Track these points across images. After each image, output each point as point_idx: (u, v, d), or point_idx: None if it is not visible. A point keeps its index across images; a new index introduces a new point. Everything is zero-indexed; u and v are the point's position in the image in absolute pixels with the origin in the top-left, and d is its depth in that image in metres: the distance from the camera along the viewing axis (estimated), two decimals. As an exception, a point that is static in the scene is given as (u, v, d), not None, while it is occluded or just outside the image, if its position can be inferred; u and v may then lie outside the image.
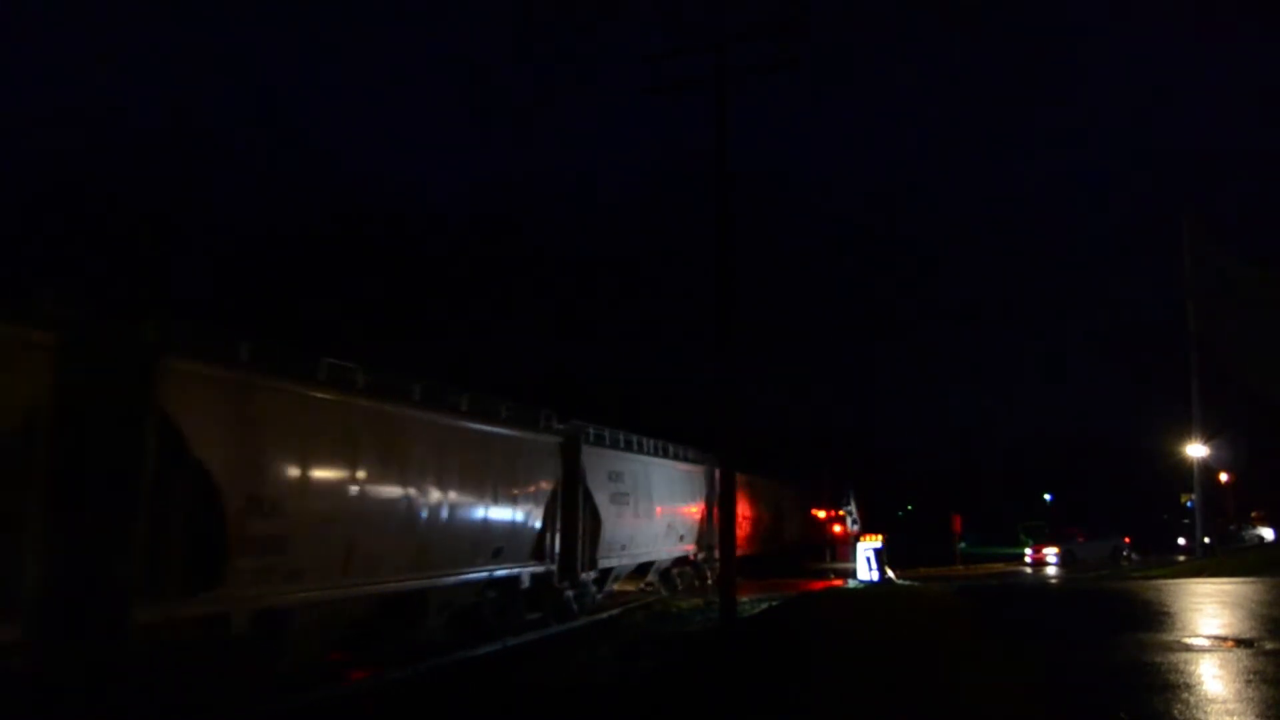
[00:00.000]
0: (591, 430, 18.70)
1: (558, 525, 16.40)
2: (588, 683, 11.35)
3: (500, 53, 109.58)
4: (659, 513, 21.96)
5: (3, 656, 7.01)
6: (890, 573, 29.11)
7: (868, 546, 29.87)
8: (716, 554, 23.45)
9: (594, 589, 18.44)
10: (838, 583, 27.71)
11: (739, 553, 24.56)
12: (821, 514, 35.48)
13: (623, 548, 19.62)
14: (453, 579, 13.17)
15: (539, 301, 62.44)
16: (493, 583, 14.42)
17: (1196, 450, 30.25)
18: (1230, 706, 7.39)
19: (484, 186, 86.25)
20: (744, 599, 18.30)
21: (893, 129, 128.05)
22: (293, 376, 10.38)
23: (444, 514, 12.89)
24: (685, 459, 25.00)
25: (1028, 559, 39.65)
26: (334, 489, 10.75)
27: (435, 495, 12.69)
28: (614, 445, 19.98)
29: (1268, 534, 41.22)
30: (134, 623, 7.79)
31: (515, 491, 14.97)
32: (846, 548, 31.82)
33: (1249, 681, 8.23)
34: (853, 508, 33.82)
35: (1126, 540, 38.69)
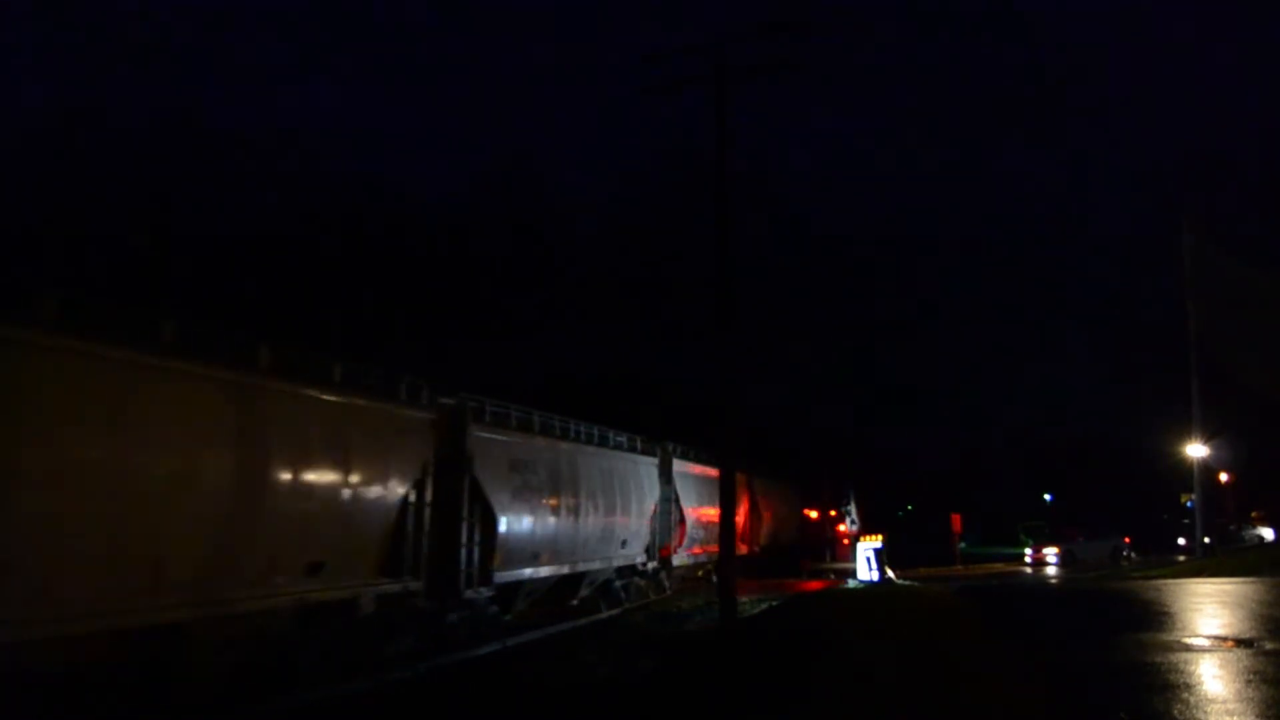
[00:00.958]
0: (489, 407, 14.88)
1: (427, 528, 12.54)
2: (587, 683, 11.35)
3: (498, 51, 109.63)
4: (592, 513, 17.99)
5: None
6: (890, 573, 29.09)
7: (868, 546, 29.86)
8: (676, 561, 23.07)
9: (493, 609, 14.59)
10: (838, 583, 27.71)
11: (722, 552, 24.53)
12: (821, 514, 35.47)
13: (535, 556, 15.69)
14: (225, 610, 9.11)
15: (537, 301, 62.40)
16: (308, 611, 10.39)
17: (1196, 450, 30.25)
18: (1230, 706, 7.39)
19: (481, 184, 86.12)
20: (744, 599, 18.29)
21: (892, 128, 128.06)
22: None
23: (220, 509, 9.12)
24: (630, 448, 21.18)
25: (1028, 559, 39.64)
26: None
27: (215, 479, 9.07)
28: (523, 427, 15.88)
29: (1268, 534, 41.23)
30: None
31: (354, 481, 11.20)
32: (846, 548, 31.80)
33: (1249, 681, 8.23)
34: (852, 508, 33.79)
35: (1126, 540, 38.69)
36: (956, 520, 39.17)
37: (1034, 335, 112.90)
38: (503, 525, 14.42)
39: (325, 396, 11.00)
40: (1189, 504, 34.83)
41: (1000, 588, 24.89)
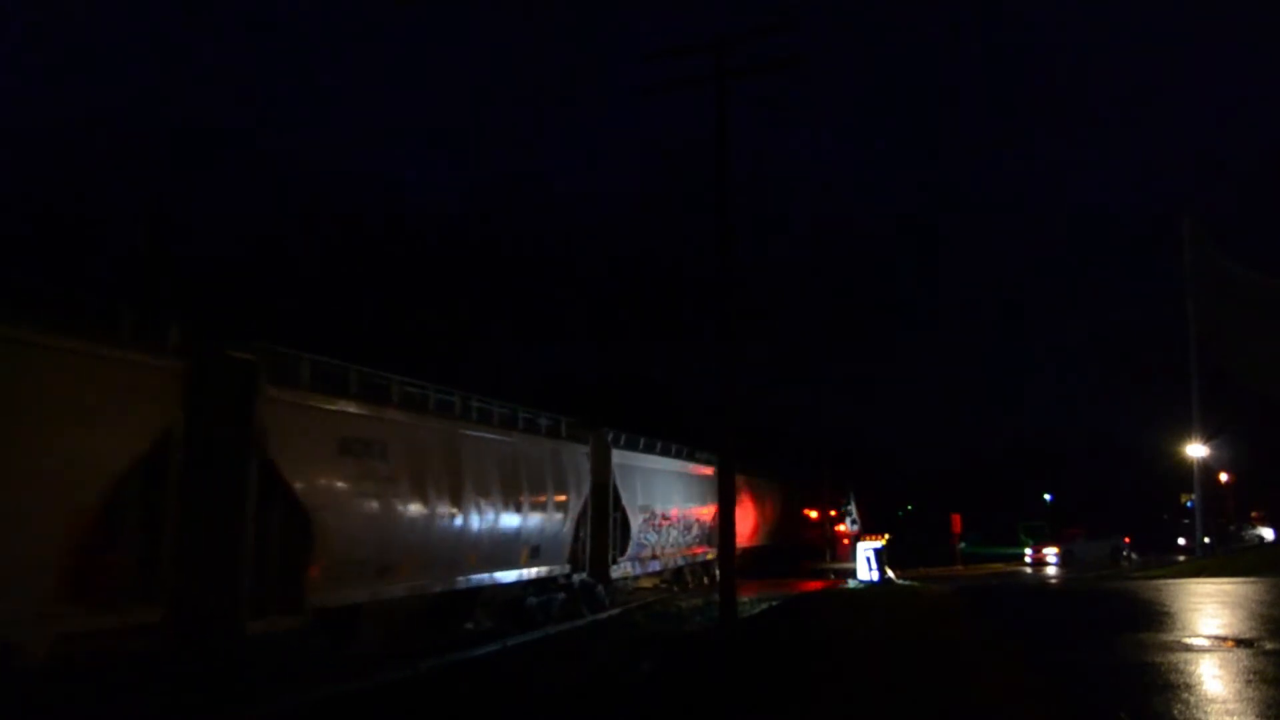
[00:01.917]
0: (308, 363, 11.01)
1: (169, 535, 8.95)
2: (587, 683, 11.34)
3: (497, 50, 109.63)
4: (482, 511, 14.05)
5: None
6: (890, 573, 29.10)
7: (868, 546, 29.88)
8: (616, 573, 19.42)
9: (312, 644, 10.84)
10: (838, 583, 27.72)
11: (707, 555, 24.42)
12: (821, 514, 35.49)
13: (384, 570, 11.73)
14: None
15: (536, 302, 62.41)
16: None
17: (1196, 450, 30.27)
18: (1230, 706, 7.38)
19: (480, 187, 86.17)
20: (744, 599, 18.28)
21: (892, 129, 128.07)
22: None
23: None
24: (549, 432, 17.11)
25: (1028, 559, 39.67)
26: None
27: None
28: (369, 396, 12.02)
29: (1268, 534, 41.25)
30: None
31: None
32: (846, 548, 31.82)
33: (1249, 681, 8.22)
34: (853, 508, 33.80)
35: (1126, 540, 38.71)
36: (956, 520, 39.20)
37: (1034, 335, 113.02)
38: (324, 526, 10.60)
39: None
40: (1189, 504, 34.86)
41: (1000, 588, 24.88)
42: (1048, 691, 8.24)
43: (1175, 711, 7.13)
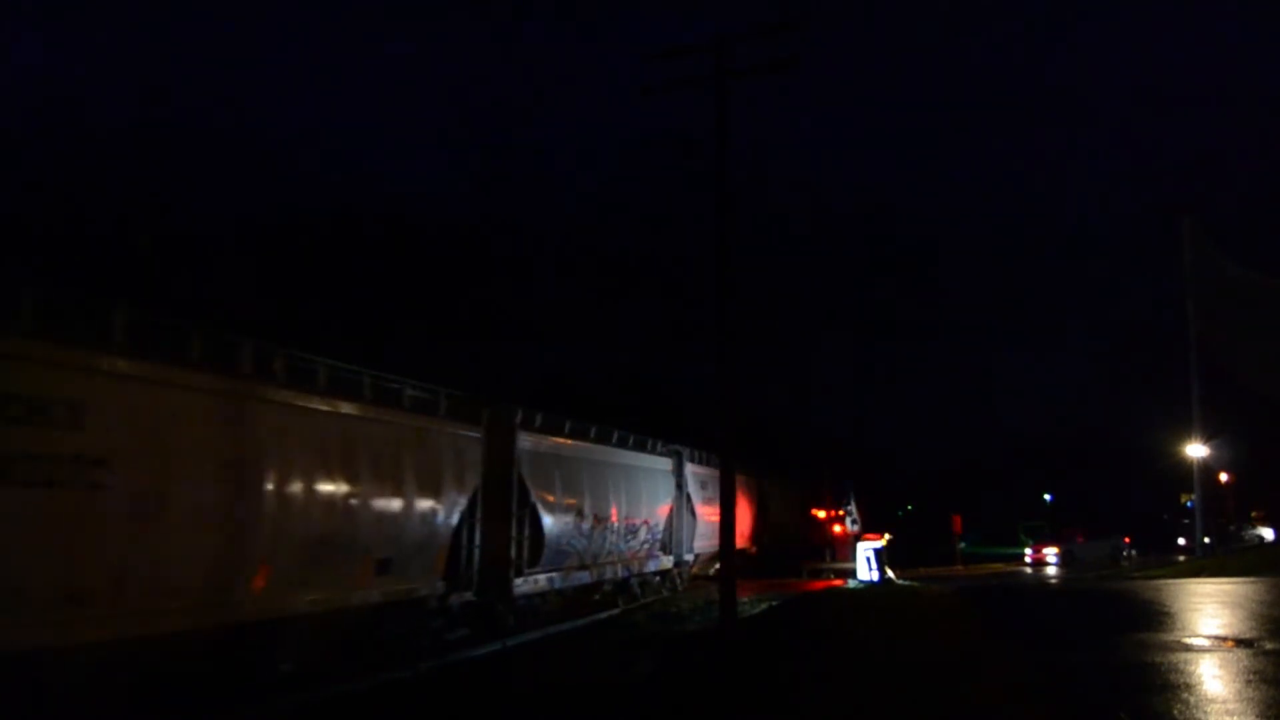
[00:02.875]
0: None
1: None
2: (587, 683, 11.34)
3: (497, 50, 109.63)
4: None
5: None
6: (890, 573, 29.09)
7: (868, 546, 29.85)
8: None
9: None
10: (838, 583, 27.70)
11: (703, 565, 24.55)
12: (821, 514, 35.48)
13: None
14: None
15: (533, 302, 62.41)
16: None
17: (1196, 450, 30.27)
18: (1230, 706, 7.38)
19: (477, 184, 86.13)
20: (744, 599, 18.26)
21: (892, 130, 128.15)
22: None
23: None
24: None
25: (1028, 559, 39.66)
26: None
27: None
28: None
29: (1268, 534, 41.28)
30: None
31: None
32: (846, 548, 31.79)
33: (1249, 681, 8.23)
34: (853, 508, 33.78)
35: (1126, 540, 38.73)
36: (957, 520, 39.19)
37: (1035, 336, 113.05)
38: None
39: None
40: (1189, 504, 34.86)
41: (1000, 588, 24.89)
42: (1048, 691, 8.24)
43: (1175, 711, 7.13)
